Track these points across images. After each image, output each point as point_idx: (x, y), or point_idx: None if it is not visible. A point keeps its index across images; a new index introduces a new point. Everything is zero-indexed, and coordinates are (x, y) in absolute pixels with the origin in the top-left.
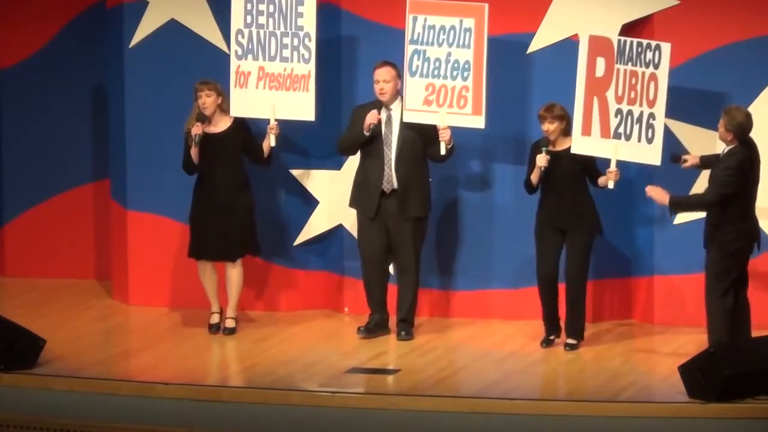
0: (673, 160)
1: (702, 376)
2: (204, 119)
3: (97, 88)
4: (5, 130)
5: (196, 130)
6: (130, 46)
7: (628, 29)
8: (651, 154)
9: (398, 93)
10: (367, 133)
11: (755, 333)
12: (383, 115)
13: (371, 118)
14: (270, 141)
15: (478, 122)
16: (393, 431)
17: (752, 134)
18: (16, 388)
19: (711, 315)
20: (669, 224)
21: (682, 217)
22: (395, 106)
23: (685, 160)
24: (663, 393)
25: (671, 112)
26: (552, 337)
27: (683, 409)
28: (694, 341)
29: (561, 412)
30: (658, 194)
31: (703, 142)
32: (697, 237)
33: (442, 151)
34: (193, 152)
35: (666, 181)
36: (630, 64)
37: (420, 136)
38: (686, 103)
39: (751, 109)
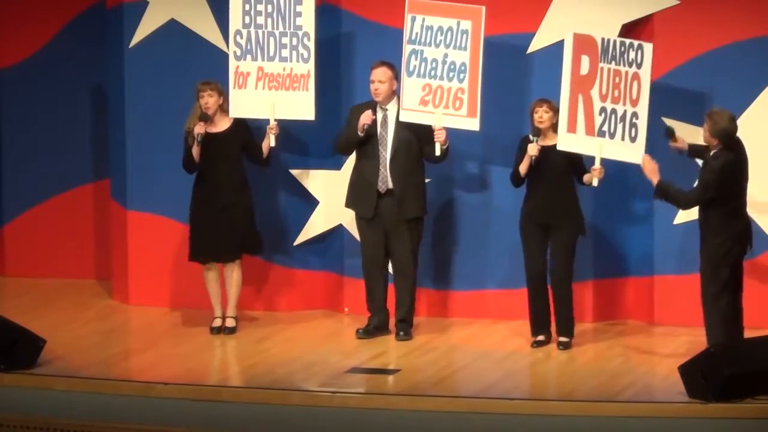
0: (668, 134)
1: (702, 376)
2: (206, 119)
3: (97, 88)
4: (5, 130)
5: (199, 129)
6: (130, 46)
7: (628, 29)
8: (634, 153)
9: (394, 93)
10: (361, 134)
11: (755, 333)
12: (379, 115)
13: (365, 118)
14: (269, 141)
15: (473, 124)
16: (393, 431)
17: (753, 134)
18: (16, 388)
19: (707, 318)
20: (669, 224)
21: (682, 217)
22: (391, 107)
23: (676, 140)
24: (663, 393)
25: (671, 111)
26: (542, 338)
27: (683, 409)
28: (694, 341)
29: (561, 412)
30: (650, 170)
31: (703, 141)
32: (696, 237)
33: (437, 152)
34: (195, 151)
35: (666, 178)
36: (614, 63)
37: (416, 137)
38: (686, 102)
39: (750, 109)
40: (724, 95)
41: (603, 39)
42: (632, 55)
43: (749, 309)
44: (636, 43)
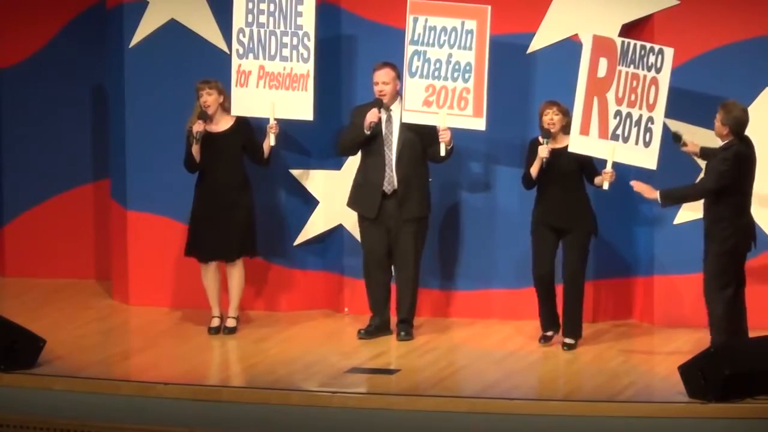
0: (675, 139)
1: (702, 376)
2: (206, 117)
3: (97, 88)
4: (5, 130)
5: (198, 127)
6: (130, 46)
7: (628, 29)
8: (647, 158)
9: (398, 94)
10: (368, 132)
11: (755, 333)
12: (383, 115)
13: (372, 116)
14: (270, 140)
15: (479, 124)
16: (393, 431)
17: (752, 134)
18: (16, 388)
19: (712, 312)
20: (669, 224)
21: (682, 217)
22: (395, 107)
23: (686, 144)
24: (663, 393)
25: (671, 112)
26: (550, 333)
27: (683, 409)
28: (694, 341)
29: (561, 412)
30: (644, 189)
31: (703, 141)
32: (697, 237)
33: (442, 152)
34: (195, 150)
35: (666, 180)
36: (632, 66)
37: (420, 137)
38: (686, 102)
39: (751, 109)
40: (723, 95)
41: (623, 42)
42: (652, 59)
43: (750, 309)
44: (657, 47)
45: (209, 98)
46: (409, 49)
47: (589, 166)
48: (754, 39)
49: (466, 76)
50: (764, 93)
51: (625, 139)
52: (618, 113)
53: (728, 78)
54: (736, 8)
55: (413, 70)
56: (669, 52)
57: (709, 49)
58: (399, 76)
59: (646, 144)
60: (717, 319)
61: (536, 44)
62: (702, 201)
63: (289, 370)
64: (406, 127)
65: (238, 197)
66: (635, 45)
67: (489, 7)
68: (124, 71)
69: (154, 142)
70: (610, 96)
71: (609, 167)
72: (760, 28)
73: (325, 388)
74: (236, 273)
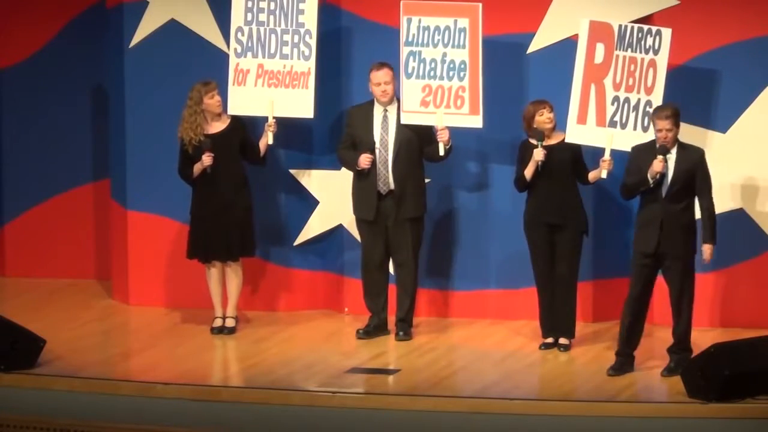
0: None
1: (702, 376)
2: (209, 146)
3: (97, 88)
4: (5, 130)
5: (208, 161)
6: (130, 46)
7: None
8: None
9: (394, 94)
10: (360, 169)
11: (755, 333)
12: (380, 116)
13: (364, 162)
14: (267, 139)
15: (476, 122)
16: (393, 431)
17: (753, 134)
18: (16, 388)
19: (691, 308)
20: None
21: None
22: (391, 108)
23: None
24: (663, 393)
25: None
26: (550, 340)
27: (683, 409)
28: (694, 341)
29: (561, 412)
30: (709, 253)
31: (702, 141)
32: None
33: (441, 152)
34: (197, 169)
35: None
36: (630, 50)
37: (417, 137)
38: (686, 103)
39: (751, 109)
40: (723, 95)
41: (620, 26)
42: (650, 41)
43: (750, 309)
44: (654, 28)
45: (218, 98)
46: (404, 51)
47: (580, 163)
48: (754, 39)
49: (461, 74)
50: (764, 93)
51: (623, 126)
52: (616, 99)
53: (728, 78)
54: (736, 8)
55: (409, 71)
56: (667, 33)
57: (709, 49)
58: (395, 76)
59: (644, 129)
60: (690, 320)
61: (536, 44)
62: (686, 203)
63: (289, 370)
64: (402, 128)
65: (236, 197)
66: (632, 28)
67: (480, 5)
68: (124, 71)
69: (154, 142)
70: (608, 82)
71: (607, 155)
72: (760, 28)
73: (325, 388)
74: (235, 273)
